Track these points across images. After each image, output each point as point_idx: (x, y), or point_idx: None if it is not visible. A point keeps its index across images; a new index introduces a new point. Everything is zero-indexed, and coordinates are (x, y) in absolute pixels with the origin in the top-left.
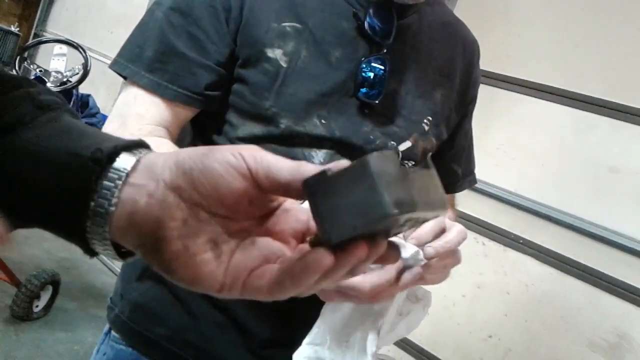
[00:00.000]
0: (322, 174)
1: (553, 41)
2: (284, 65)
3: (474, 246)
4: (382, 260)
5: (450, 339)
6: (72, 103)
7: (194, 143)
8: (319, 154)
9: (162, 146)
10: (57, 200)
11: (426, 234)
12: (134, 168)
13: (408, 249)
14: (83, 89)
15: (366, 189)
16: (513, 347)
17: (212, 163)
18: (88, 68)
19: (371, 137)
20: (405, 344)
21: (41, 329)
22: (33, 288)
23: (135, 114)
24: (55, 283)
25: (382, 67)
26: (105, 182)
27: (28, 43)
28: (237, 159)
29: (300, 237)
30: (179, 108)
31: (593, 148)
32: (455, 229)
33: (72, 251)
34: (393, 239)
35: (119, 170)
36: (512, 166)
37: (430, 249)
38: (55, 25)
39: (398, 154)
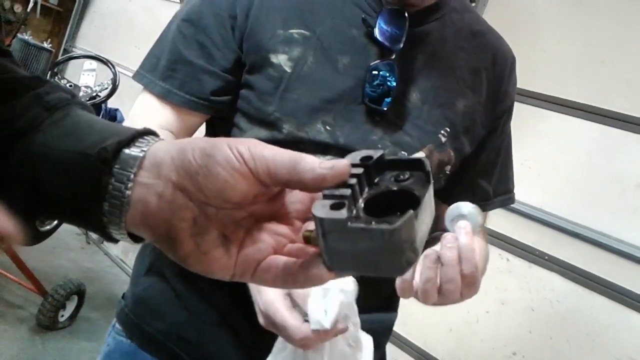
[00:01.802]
0: (340, 222)
1: (579, 56)
2: (288, 70)
3: (498, 262)
4: None
5: (473, 355)
6: (100, 117)
7: None
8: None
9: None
10: (72, 201)
11: None
12: (140, 166)
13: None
14: (111, 103)
15: (386, 254)
16: None
17: (215, 167)
18: (117, 83)
19: (379, 145)
20: (426, 359)
21: (66, 339)
22: (59, 298)
23: (143, 117)
24: (80, 293)
25: (392, 74)
26: (116, 183)
27: (59, 59)
28: (239, 161)
29: (303, 218)
30: (186, 114)
31: (620, 164)
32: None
33: (97, 262)
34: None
35: (127, 171)
36: (538, 182)
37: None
38: (84, 41)
39: (417, 215)
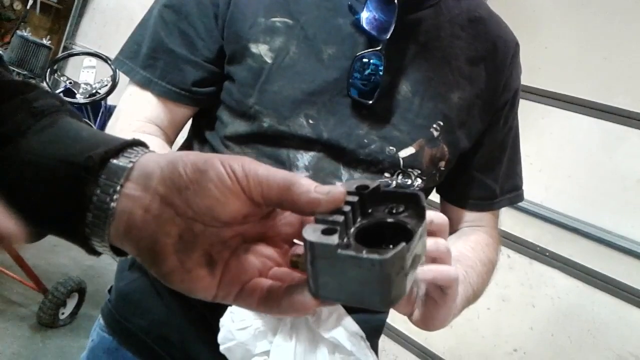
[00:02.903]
0: (330, 248)
1: (581, 53)
2: (269, 61)
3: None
4: None
5: (474, 351)
6: (100, 114)
7: (189, 140)
8: (305, 157)
9: (152, 144)
10: (55, 210)
11: None
12: (127, 177)
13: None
14: (111, 100)
15: (374, 285)
16: None
17: (207, 183)
18: (117, 80)
19: (365, 140)
20: (428, 356)
21: (66, 336)
22: (59, 295)
23: (128, 109)
24: (81, 291)
25: (377, 65)
26: (101, 194)
27: (59, 56)
28: (231, 179)
29: (291, 241)
30: (169, 105)
31: (621, 160)
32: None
33: (97, 260)
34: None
35: (113, 182)
36: (539, 178)
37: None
38: (84, 39)
39: (409, 249)
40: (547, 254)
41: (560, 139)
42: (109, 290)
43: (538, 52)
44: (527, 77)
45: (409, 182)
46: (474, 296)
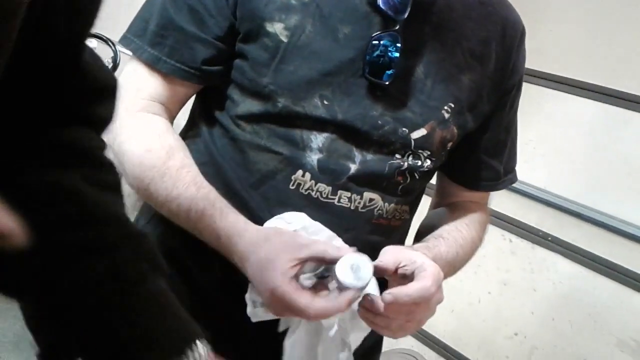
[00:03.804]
0: None
1: (585, 36)
2: (285, 40)
3: (500, 243)
4: None
5: (475, 335)
6: None
7: (192, 120)
8: (319, 138)
9: (156, 128)
10: None
11: (387, 264)
12: None
13: (363, 275)
14: None
15: None
16: (539, 345)
17: None
18: (118, 62)
19: (379, 122)
20: (429, 340)
21: None
22: None
23: (133, 87)
24: None
25: (394, 45)
26: None
27: None
28: None
29: None
30: (176, 83)
31: (626, 144)
32: (421, 284)
33: None
34: (352, 259)
35: None
36: (542, 162)
37: (389, 296)
38: None
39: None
40: (550, 238)
41: (563, 123)
42: None
43: (543, 35)
44: (532, 61)
45: (419, 162)
46: (454, 271)
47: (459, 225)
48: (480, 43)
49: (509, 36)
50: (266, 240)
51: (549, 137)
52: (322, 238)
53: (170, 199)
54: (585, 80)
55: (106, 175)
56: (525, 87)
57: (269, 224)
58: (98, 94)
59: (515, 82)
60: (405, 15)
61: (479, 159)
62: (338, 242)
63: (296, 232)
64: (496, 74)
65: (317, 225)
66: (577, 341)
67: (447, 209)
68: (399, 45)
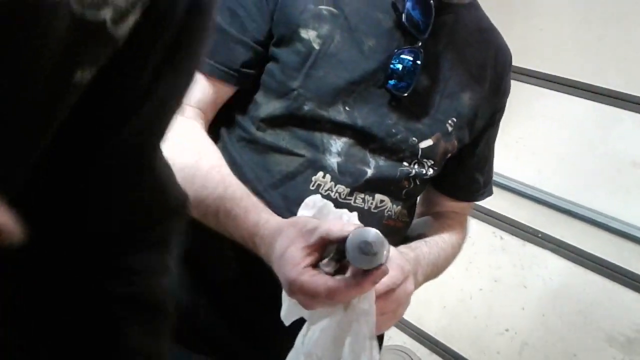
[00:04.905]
0: None
1: (576, 34)
2: (317, 47)
3: (491, 240)
4: None
5: (466, 332)
6: None
7: (212, 125)
8: (338, 143)
9: (197, 136)
10: None
11: None
12: None
13: (375, 250)
14: None
15: None
16: (530, 341)
17: None
18: None
19: (393, 130)
20: (420, 336)
21: None
22: None
23: None
24: None
25: (414, 60)
26: None
27: None
28: None
29: None
30: (215, 84)
31: (615, 142)
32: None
33: None
34: (359, 236)
35: None
36: (532, 160)
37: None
38: None
39: None
40: (540, 235)
41: (553, 121)
42: None
43: (532, 33)
44: (522, 59)
45: (424, 171)
46: (436, 273)
47: (441, 231)
48: (478, 66)
49: (501, 62)
50: (280, 234)
51: (539, 134)
52: (330, 217)
53: (200, 200)
54: (575, 79)
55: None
56: (515, 85)
57: (299, 212)
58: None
59: (503, 103)
60: (427, 34)
61: (467, 171)
62: (346, 216)
63: (311, 217)
64: (490, 95)
65: (329, 206)
66: (567, 337)
67: (431, 217)
68: (419, 62)
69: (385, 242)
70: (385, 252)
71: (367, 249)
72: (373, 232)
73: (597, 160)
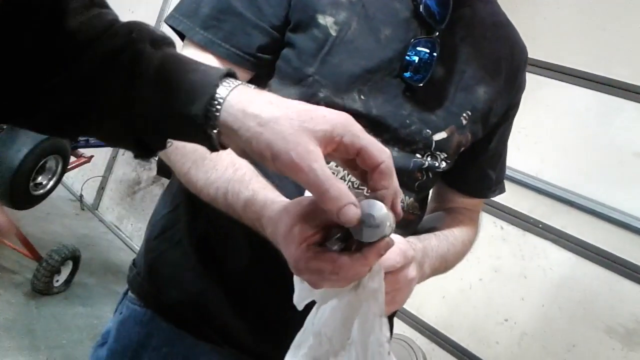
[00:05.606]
0: None
1: (579, 24)
2: (334, 34)
3: (492, 230)
4: None
5: (465, 321)
6: None
7: None
8: None
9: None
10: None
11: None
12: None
13: (377, 222)
14: None
15: None
16: (529, 331)
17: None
18: None
19: (407, 121)
20: (420, 326)
21: (61, 303)
22: (54, 263)
23: None
24: (75, 258)
25: (430, 51)
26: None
27: None
28: None
29: None
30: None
31: (617, 132)
32: (386, 256)
33: (91, 228)
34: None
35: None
36: (534, 150)
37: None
38: None
39: None
40: (541, 225)
41: (556, 111)
42: (134, 264)
43: (537, 23)
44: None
45: (437, 163)
46: (445, 267)
47: (452, 226)
48: (493, 61)
49: (517, 58)
50: (286, 213)
51: (542, 124)
52: None
53: (209, 183)
54: (578, 68)
55: None
56: None
57: (306, 192)
58: None
59: (518, 100)
60: (444, 25)
61: (479, 167)
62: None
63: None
64: (504, 90)
65: None
66: (566, 327)
67: (443, 213)
68: (435, 53)
69: (390, 214)
70: (388, 224)
71: (369, 221)
72: (376, 205)
73: (599, 151)
